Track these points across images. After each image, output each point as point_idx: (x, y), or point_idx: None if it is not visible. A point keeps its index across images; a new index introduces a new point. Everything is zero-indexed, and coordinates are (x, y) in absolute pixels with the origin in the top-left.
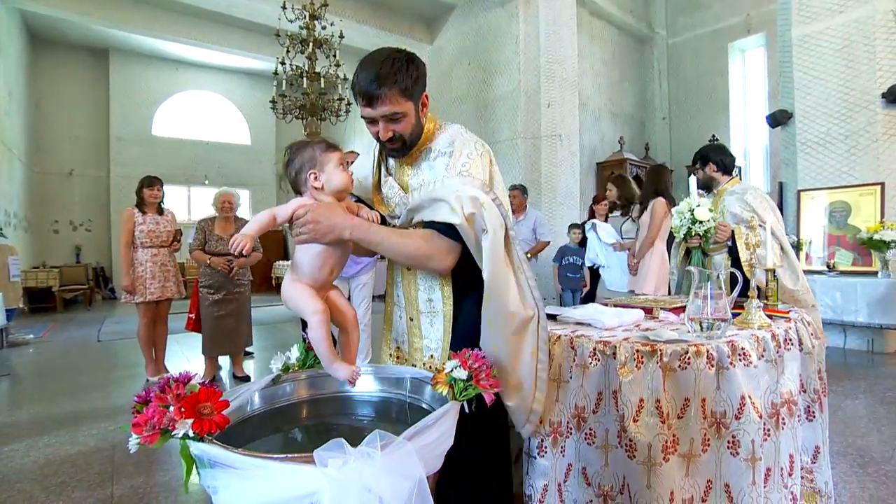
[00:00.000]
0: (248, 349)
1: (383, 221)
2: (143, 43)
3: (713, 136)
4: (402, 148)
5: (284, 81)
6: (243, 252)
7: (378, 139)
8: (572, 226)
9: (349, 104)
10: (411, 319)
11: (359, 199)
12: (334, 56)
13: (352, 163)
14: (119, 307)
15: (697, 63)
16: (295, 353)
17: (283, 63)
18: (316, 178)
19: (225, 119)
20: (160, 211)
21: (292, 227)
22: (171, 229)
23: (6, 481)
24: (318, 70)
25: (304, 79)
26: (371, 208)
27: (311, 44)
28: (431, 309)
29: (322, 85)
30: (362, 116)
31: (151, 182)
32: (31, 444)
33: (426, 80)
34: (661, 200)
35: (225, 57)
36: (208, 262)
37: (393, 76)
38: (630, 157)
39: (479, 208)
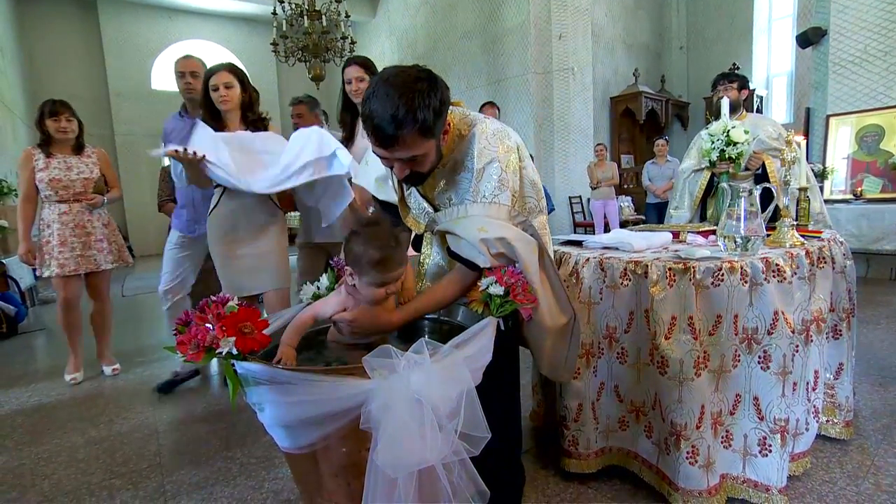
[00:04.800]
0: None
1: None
2: None
3: (734, 64)
4: (420, 181)
5: (284, 22)
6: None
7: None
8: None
9: (353, 43)
10: None
11: (382, 205)
12: None
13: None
14: (139, 264)
15: None
16: (324, 282)
17: (281, 1)
18: (352, 277)
19: None
20: (78, 150)
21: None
22: (92, 176)
23: (55, 414)
24: (318, 8)
25: (305, 18)
26: (398, 218)
27: None
28: None
29: (324, 23)
30: (374, 152)
31: (55, 110)
32: (74, 385)
33: (449, 103)
34: None
35: (219, 2)
36: None
37: (412, 117)
38: (645, 90)
39: (508, 246)
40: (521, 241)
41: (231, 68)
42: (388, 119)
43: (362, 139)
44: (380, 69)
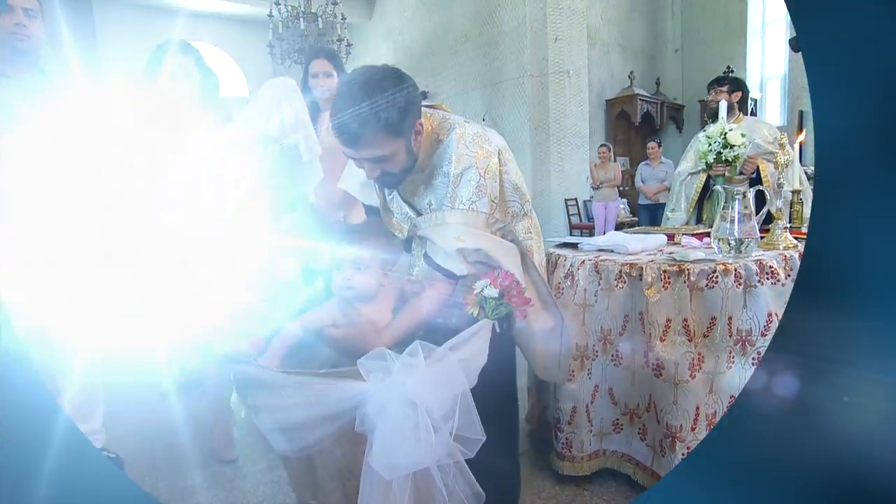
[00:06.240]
0: None
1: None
2: None
3: (728, 67)
4: (394, 183)
5: (280, 24)
6: None
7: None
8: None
9: (349, 45)
10: None
11: (370, 209)
12: None
13: None
14: None
15: None
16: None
17: (277, 3)
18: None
19: (220, 70)
20: None
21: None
22: None
23: None
24: (314, 10)
25: (301, 20)
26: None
27: None
28: None
29: (320, 26)
30: (343, 152)
31: None
32: None
33: (420, 102)
34: None
35: (215, 3)
36: None
37: (376, 115)
38: (640, 93)
39: (486, 257)
40: (499, 249)
41: (187, 49)
42: (351, 117)
43: (327, 136)
44: None
